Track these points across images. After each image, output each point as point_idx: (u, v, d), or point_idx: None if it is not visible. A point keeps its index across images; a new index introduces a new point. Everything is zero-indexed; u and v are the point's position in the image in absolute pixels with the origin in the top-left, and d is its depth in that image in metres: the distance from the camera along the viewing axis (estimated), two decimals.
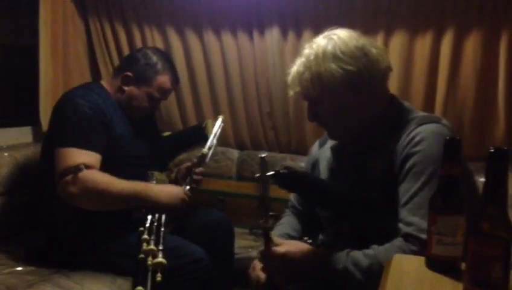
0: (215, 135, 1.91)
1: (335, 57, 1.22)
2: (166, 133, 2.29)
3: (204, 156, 1.85)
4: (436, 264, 0.95)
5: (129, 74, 1.79)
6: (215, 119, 1.99)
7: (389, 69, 1.29)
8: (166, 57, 1.90)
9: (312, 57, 1.24)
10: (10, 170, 1.99)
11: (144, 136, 1.87)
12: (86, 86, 1.80)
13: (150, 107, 1.86)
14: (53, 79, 2.38)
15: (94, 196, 1.58)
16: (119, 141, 1.71)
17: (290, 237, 1.44)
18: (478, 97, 2.14)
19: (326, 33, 1.28)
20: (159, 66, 1.81)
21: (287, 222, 1.52)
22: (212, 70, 2.60)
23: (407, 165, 1.17)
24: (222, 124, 1.96)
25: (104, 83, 1.86)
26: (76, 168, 1.56)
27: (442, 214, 0.93)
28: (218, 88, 2.63)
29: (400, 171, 1.19)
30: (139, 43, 2.65)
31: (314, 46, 1.26)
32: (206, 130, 1.96)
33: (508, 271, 0.78)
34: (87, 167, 1.58)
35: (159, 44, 2.63)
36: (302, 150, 2.58)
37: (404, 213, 1.15)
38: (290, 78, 1.31)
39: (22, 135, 2.32)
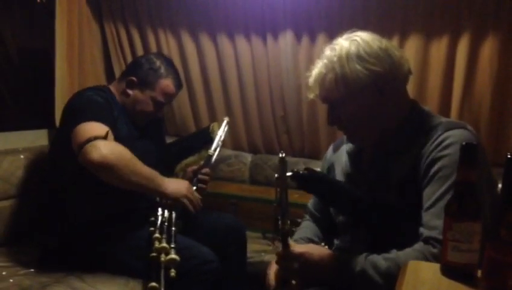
0: (220, 137, 1.95)
1: (359, 57, 1.20)
2: (172, 139, 2.33)
3: (210, 157, 1.90)
4: (451, 271, 0.93)
5: (133, 78, 1.83)
6: (221, 122, 2.02)
7: (410, 72, 1.28)
8: (169, 61, 1.93)
9: (335, 59, 1.22)
10: (25, 172, 2.02)
11: (149, 140, 1.90)
12: (95, 88, 1.84)
13: (154, 111, 1.88)
14: (69, 82, 2.40)
15: (117, 164, 1.56)
16: (122, 142, 1.69)
17: (311, 241, 1.43)
18: (494, 102, 2.11)
19: (346, 35, 1.26)
20: (162, 70, 1.84)
21: (307, 227, 1.51)
22: (225, 74, 2.61)
23: (433, 169, 1.15)
24: (227, 126, 2.00)
25: (111, 87, 1.90)
26: (101, 137, 1.56)
27: (458, 220, 0.92)
28: (231, 92, 2.63)
29: (424, 175, 1.17)
30: (153, 47, 2.68)
31: (337, 47, 1.24)
32: (212, 133, 1.98)
33: None
34: (107, 136, 1.58)
35: (173, 47, 2.64)
36: (315, 154, 2.57)
37: (427, 217, 1.13)
38: (311, 80, 1.29)
39: (38, 137, 2.34)
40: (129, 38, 2.71)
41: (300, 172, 1.19)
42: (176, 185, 1.71)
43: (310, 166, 2.38)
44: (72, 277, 1.62)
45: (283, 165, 1.14)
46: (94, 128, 1.59)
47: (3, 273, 1.68)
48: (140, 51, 2.70)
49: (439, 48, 2.16)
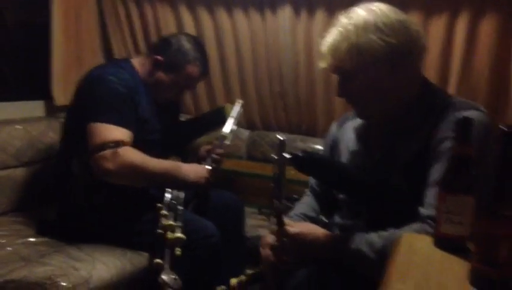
0: (235, 118, 1.91)
1: (377, 28, 1.16)
2: (185, 117, 2.30)
3: (224, 137, 1.86)
4: (444, 243, 0.95)
5: (160, 58, 1.77)
6: (233, 103, 1.98)
7: (425, 48, 1.24)
8: (200, 46, 1.87)
9: (351, 27, 1.17)
10: (23, 143, 2.02)
11: (165, 118, 1.87)
12: (117, 63, 1.79)
13: (175, 95, 1.86)
14: (65, 54, 2.39)
15: (130, 172, 1.60)
16: (143, 123, 1.72)
17: (307, 217, 1.43)
18: (492, 80, 2.11)
19: (364, 4, 1.22)
20: (191, 54, 1.78)
21: (306, 202, 1.50)
22: (223, 50, 2.60)
23: (442, 149, 1.13)
24: (242, 109, 1.95)
25: (133, 60, 1.84)
26: (114, 144, 1.57)
27: (452, 193, 0.93)
28: (229, 67, 2.62)
29: (433, 154, 1.15)
30: (151, 20, 2.66)
31: (354, 16, 1.19)
32: (225, 114, 1.95)
33: None
34: (124, 143, 1.59)
35: (171, 21, 2.63)
36: (312, 131, 2.57)
37: (428, 196, 1.12)
38: (324, 48, 1.23)
39: (34, 108, 2.34)
40: (126, 11, 2.68)
41: (300, 154, 1.16)
42: (194, 173, 1.71)
43: (307, 143, 2.43)
44: (70, 247, 1.64)
45: (281, 146, 1.13)
46: (111, 132, 1.59)
47: (2, 241, 1.69)
48: (137, 24, 2.68)
49: (438, 27, 2.15)
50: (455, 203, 0.93)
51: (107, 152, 1.56)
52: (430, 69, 2.15)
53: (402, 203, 1.20)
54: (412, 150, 1.20)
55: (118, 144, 1.57)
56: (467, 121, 0.93)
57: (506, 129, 0.77)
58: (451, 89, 2.16)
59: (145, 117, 1.73)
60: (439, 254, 0.94)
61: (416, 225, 1.12)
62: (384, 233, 1.13)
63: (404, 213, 1.16)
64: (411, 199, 1.16)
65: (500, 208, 0.78)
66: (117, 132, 1.60)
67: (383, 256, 1.05)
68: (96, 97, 1.65)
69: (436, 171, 1.12)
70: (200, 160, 1.87)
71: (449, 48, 2.16)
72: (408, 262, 0.90)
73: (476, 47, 2.11)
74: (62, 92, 2.35)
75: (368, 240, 1.13)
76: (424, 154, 1.17)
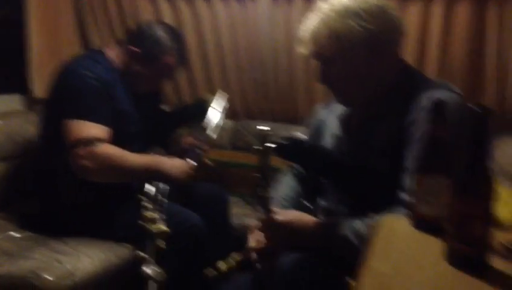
0: (219, 112, 1.90)
1: (355, 14, 1.17)
2: (167, 108, 2.28)
3: (208, 132, 1.86)
4: (422, 224, 0.97)
5: (136, 49, 1.74)
6: (215, 94, 1.98)
7: (403, 33, 1.26)
8: (177, 36, 1.83)
9: (331, 13, 1.19)
10: (1, 137, 1.98)
11: (145, 109, 1.85)
12: (90, 56, 1.75)
13: (154, 86, 1.84)
14: (42, 46, 2.36)
15: (108, 169, 1.60)
16: (122, 116, 1.70)
17: (291, 199, 1.43)
18: (469, 65, 2.13)
19: None
20: (167, 45, 1.75)
21: (286, 183, 1.51)
22: (203, 38, 2.58)
23: (413, 131, 1.15)
24: (226, 102, 1.95)
25: (109, 51, 1.79)
26: (90, 142, 1.55)
27: (428, 175, 0.95)
28: (209, 56, 2.61)
29: (407, 137, 1.17)
30: (128, 9, 2.63)
31: (334, 1, 1.20)
32: (208, 106, 1.94)
33: (489, 228, 0.80)
34: (101, 140, 1.58)
35: (149, 11, 2.60)
36: (294, 119, 2.58)
37: (405, 180, 1.14)
38: (303, 34, 1.24)
39: (11, 102, 2.31)
40: (103, 3, 2.65)
41: (283, 143, 1.18)
42: (177, 168, 1.70)
43: (289, 132, 2.43)
44: (54, 241, 1.63)
45: (265, 137, 1.15)
46: (86, 129, 1.57)
47: None
48: (115, 14, 2.64)
49: (414, 11, 2.17)
50: (431, 185, 0.95)
51: (83, 150, 1.55)
52: (407, 55, 2.17)
53: (383, 187, 1.22)
54: (389, 134, 1.22)
55: (94, 141, 1.56)
56: (440, 103, 0.95)
57: (476, 109, 0.79)
58: (429, 75, 2.18)
59: (123, 109, 1.71)
60: (418, 235, 0.96)
61: (395, 209, 1.14)
62: (368, 220, 1.15)
63: (385, 197, 1.18)
64: (392, 183, 1.18)
65: (473, 186, 0.80)
66: (93, 129, 1.58)
67: (366, 242, 1.07)
68: (71, 93, 1.63)
69: (411, 155, 1.14)
70: (182, 152, 1.85)
71: (426, 34, 2.18)
72: (387, 244, 0.92)
73: (452, 32, 2.14)
74: (40, 84, 2.32)
75: (353, 227, 1.15)
76: (400, 138, 1.19)
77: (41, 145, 1.81)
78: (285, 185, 1.50)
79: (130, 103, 1.76)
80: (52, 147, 1.68)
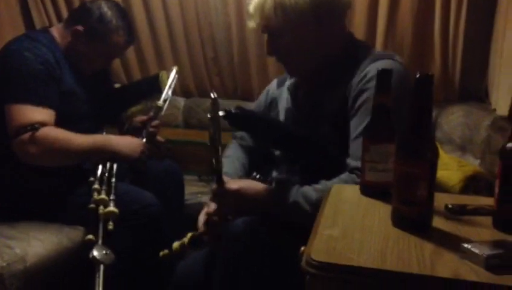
0: (170, 86, 1.86)
1: None
2: (117, 85, 2.22)
3: (160, 108, 1.82)
4: (369, 190, 1.01)
5: (80, 28, 1.67)
6: (169, 70, 1.93)
7: (349, 4, 1.29)
8: (123, 13, 1.76)
9: None
10: None
11: (95, 88, 1.79)
12: (33, 37, 1.66)
13: (101, 65, 1.78)
14: None
15: (54, 153, 1.55)
16: (69, 97, 1.64)
17: (236, 173, 1.44)
18: (416, 34, 2.18)
19: None
20: (114, 23, 1.68)
21: (234, 155, 1.52)
22: (152, 15, 2.53)
23: (359, 101, 1.19)
24: (176, 76, 1.91)
25: (53, 31, 1.72)
26: (33, 127, 1.50)
27: (374, 142, 0.98)
28: (159, 33, 2.56)
29: (352, 107, 1.20)
30: None
31: None
32: (161, 82, 1.90)
33: (432, 190, 0.84)
34: (44, 124, 1.52)
35: None
36: (248, 95, 2.58)
37: (353, 148, 1.17)
38: (251, 8, 1.27)
39: None
40: None
41: (232, 111, 1.19)
42: (127, 147, 1.66)
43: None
44: (2, 226, 1.57)
45: (215, 104, 1.14)
46: (29, 114, 1.52)
47: None
48: None
49: None
50: (378, 152, 0.98)
51: (27, 136, 1.50)
52: (356, 28, 2.20)
53: (332, 156, 1.25)
54: (335, 104, 1.25)
55: (37, 127, 1.51)
56: (384, 71, 0.97)
57: (420, 74, 0.82)
58: (378, 45, 2.22)
59: (70, 90, 1.65)
60: (365, 200, 0.99)
61: (344, 176, 1.17)
62: (317, 186, 1.18)
63: (335, 165, 1.21)
64: (340, 151, 1.22)
65: (417, 149, 0.83)
66: (36, 113, 1.53)
67: (317, 208, 1.09)
68: (12, 76, 1.56)
69: (356, 123, 1.18)
70: (134, 131, 1.82)
71: (374, 6, 2.21)
72: (336, 210, 0.94)
73: (400, 4, 2.17)
74: None
75: (304, 193, 1.18)
76: (345, 106, 1.23)
77: None
78: (232, 158, 1.51)
79: (77, 83, 1.70)
80: None
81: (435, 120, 2.03)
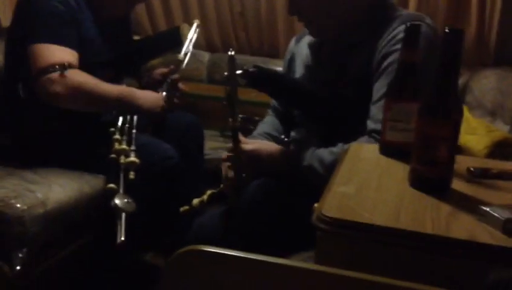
0: (190, 40, 1.82)
1: None
2: (137, 37, 2.19)
3: (180, 62, 1.79)
4: (388, 150, 0.98)
5: None
6: (190, 24, 1.90)
7: None
8: None
9: None
10: None
11: (116, 38, 1.76)
12: None
13: (124, 8, 1.76)
14: None
15: (79, 96, 1.53)
16: (89, 44, 1.62)
17: (270, 135, 1.43)
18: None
19: None
20: None
21: (268, 122, 1.51)
22: None
23: (385, 63, 1.15)
24: (198, 30, 1.87)
25: None
26: (61, 67, 1.48)
27: (397, 100, 0.94)
28: None
29: (377, 69, 1.17)
30: None
31: None
32: (181, 35, 1.87)
33: (453, 150, 0.80)
34: (71, 65, 1.51)
35: None
36: (274, 52, 2.53)
37: (374, 110, 1.14)
38: None
39: None
40: None
41: (250, 70, 1.17)
42: (150, 101, 1.65)
43: (269, 65, 2.39)
44: (24, 171, 1.59)
45: (232, 62, 1.12)
46: (55, 53, 1.49)
47: None
48: None
49: None
50: (400, 111, 0.94)
51: (54, 75, 1.48)
52: None
53: (352, 117, 1.22)
54: (360, 64, 1.21)
55: (65, 65, 1.49)
56: (413, 27, 0.92)
57: (449, 31, 0.77)
58: (411, 9, 2.13)
59: (90, 38, 1.63)
60: (384, 160, 0.96)
61: (363, 138, 1.15)
62: (333, 149, 1.16)
63: (354, 128, 1.18)
64: (361, 114, 1.18)
65: (441, 109, 0.79)
66: (62, 53, 1.51)
67: (332, 171, 1.08)
68: (36, 17, 1.54)
69: (381, 86, 1.14)
70: (154, 84, 1.81)
71: None
72: (353, 168, 0.92)
73: None
74: (6, 12, 2.20)
75: (319, 156, 1.16)
76: (370, 68, 1.18)
77: (5, 73, 1.73)
78: (265, 123, 1.50)
79: (98, 31, 1.68)
80: (15, 74, 1.62)
81: (466, 83, 1.95)
